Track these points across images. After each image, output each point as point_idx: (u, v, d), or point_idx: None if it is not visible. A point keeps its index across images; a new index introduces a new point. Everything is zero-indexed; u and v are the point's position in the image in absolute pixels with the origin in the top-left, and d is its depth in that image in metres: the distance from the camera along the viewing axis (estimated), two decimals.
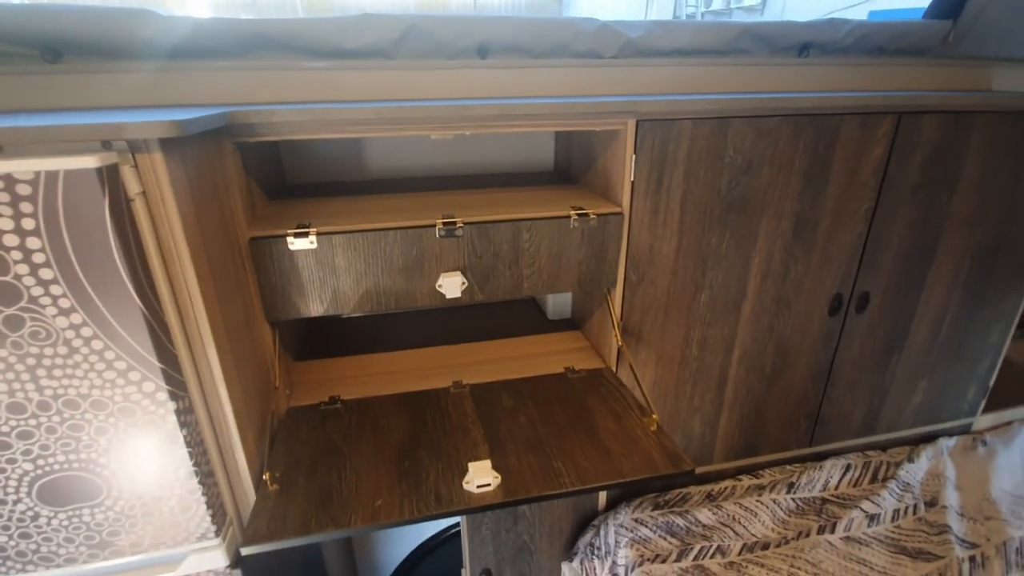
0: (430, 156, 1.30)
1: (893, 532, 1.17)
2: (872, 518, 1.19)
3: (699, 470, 1.29)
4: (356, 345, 1.23)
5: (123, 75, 1.03)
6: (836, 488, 1.28)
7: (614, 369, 1.10)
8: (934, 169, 1.10)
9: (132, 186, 0.61)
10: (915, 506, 1.22)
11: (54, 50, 1.01)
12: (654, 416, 0.89)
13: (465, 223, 0.91)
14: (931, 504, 1.23)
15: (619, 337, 1.04)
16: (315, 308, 0.91)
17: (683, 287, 1.07)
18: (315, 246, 0.86)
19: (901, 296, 1.22)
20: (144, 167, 0.61)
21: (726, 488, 1.26)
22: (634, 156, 0.94)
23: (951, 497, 1.23)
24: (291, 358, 1.14)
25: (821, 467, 1.31)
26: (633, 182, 0.96)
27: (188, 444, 0.69)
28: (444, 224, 0.90)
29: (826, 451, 1.38)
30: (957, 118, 1.07)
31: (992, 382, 1.41)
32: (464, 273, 0.94)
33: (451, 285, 0.93)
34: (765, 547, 1.16)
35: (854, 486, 1.29)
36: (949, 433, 1.46)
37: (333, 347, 1.23)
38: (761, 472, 1.32)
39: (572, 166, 1.24)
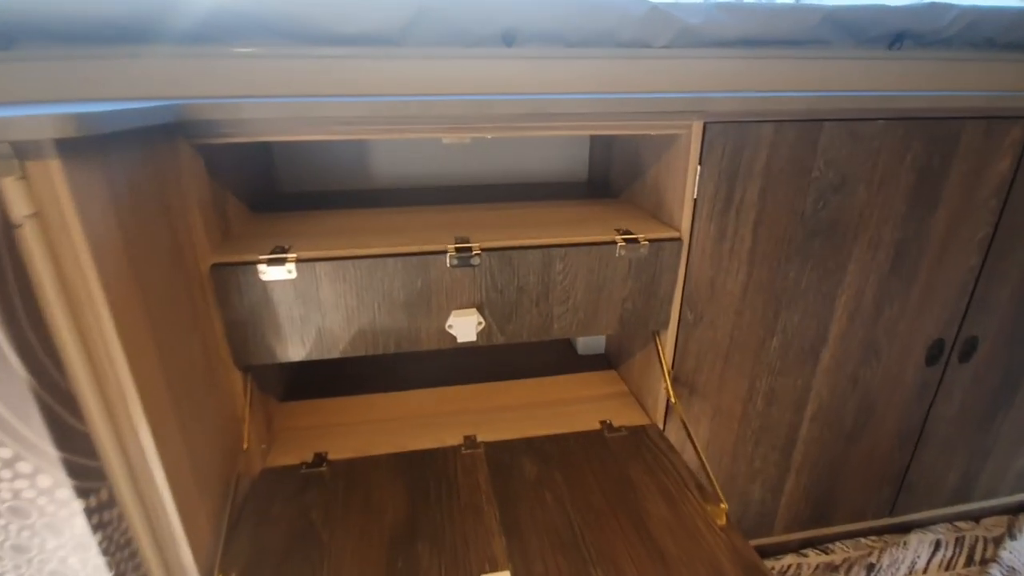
0: (446, 163, 1.12)
1: None
2: None
3: (756, 543, 1.09)
4: (354, 382, 1.05)
5: (86, 63, 0.87)
6: (925, 572, 1.06)
7: (661, 426, 0.90)
8: None
9: (19, 206, 0.43)
10: None
11: (5, 35, 0.85)
12: (723, 505, 0.69)
13: (483, 249, 0.72)
14: None
15: (671, 390, 0.84)
16: (295, 351, 0.73)
17: (750, 330, 0.87)
18: (294, 276, 0.68)
19: (1015, 342, 1.00)
20: (38, 179, 0.44)
21: (789, 568, 1.05)
22: (699, 167, 0.75)
23: None
24: (274, 399, 0.96)
25: (905, 544, 1.09)
26: (696, 200, 0.76)
27: (105, 551, 0.51)
28: (457, 250, 0.71)
29: (909, 522, 1.16)
30: None
31: None
32: (480, 311, 0.75)
33: (464, 326, 0.74)
34: None
35: (947, 569, 1.06)
36: None
37: (327, 384, 1.05)
38: (831, 547, 1.10)
39: (611, 177, 1.05)
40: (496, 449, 0.84)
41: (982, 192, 0.85)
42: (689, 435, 0.79)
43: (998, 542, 1.11)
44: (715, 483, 0.71)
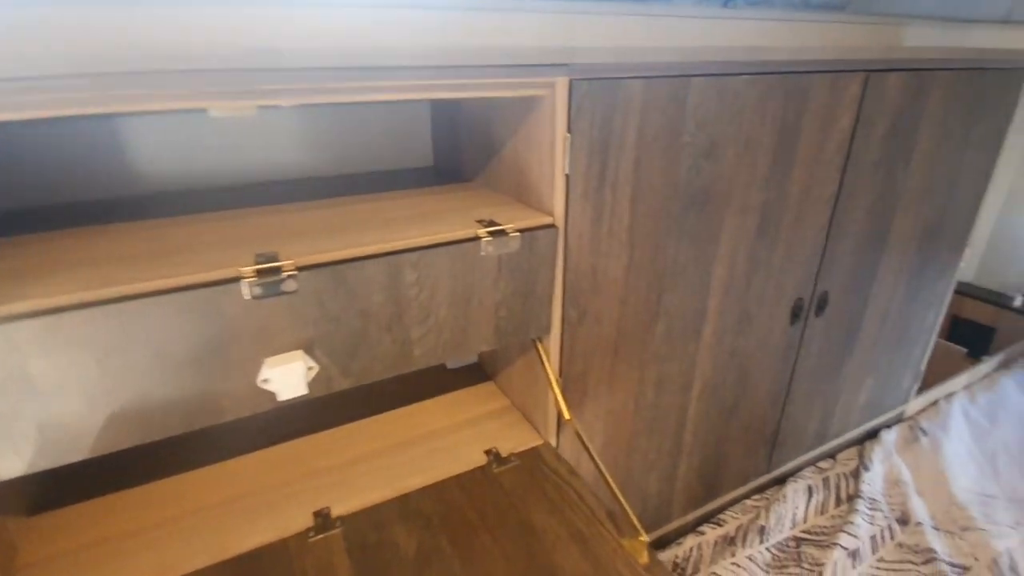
0: (240, 152, 0.85)
1: (881, 571, 1.00)
2: (854, 555, 1.02)
3: (657, 534, 1.03)
4: (148, 463, 0.76)
5: None
6: (805, 520, 1.10)
7: (554, 443, 0.78)
8: (894, 141, 0.93)
9: None
10: (889, 527, 1.08)
11: None
12: (642, 538, 0.58)
13: (300, 267, 0.51)
14: (903, 522, 1.09)
15: (562, 404, 0.71)
16: (5, 466, 0.46)
17: (635, 317, 0.78)
18: None
19: (855, 291, 1.05)
20: None
21: (691, 551, 1.02)
22: (568, 136, 0.61)
23: (919, 509, 1.11)
24: (17, 515, 0.65)
25: (784, 497, 1.12)
26: (568, 176, 0.63)
27: None
28: (259, 272, 0.49)
29: (783, 473, 1.20)
30: (919, 77, 0.90)
31: (924, 366, 1.33)
32: (310, 351, 0.54)
33: (287, 377, 0.53)
34: None
35: (822, 513, 1.12)
36: (887, 425, 1.37)
37: (106, 473, 0.75)
38: (723, 518, 1.09)
39: (463, 157, 0.88)
40: (359, 523, 0.64)
41: (828, 150, 0.85)
42: (591, 454, 0.67)
43: (856, 475, 1.20)
44: (630, 512, 0.60)
